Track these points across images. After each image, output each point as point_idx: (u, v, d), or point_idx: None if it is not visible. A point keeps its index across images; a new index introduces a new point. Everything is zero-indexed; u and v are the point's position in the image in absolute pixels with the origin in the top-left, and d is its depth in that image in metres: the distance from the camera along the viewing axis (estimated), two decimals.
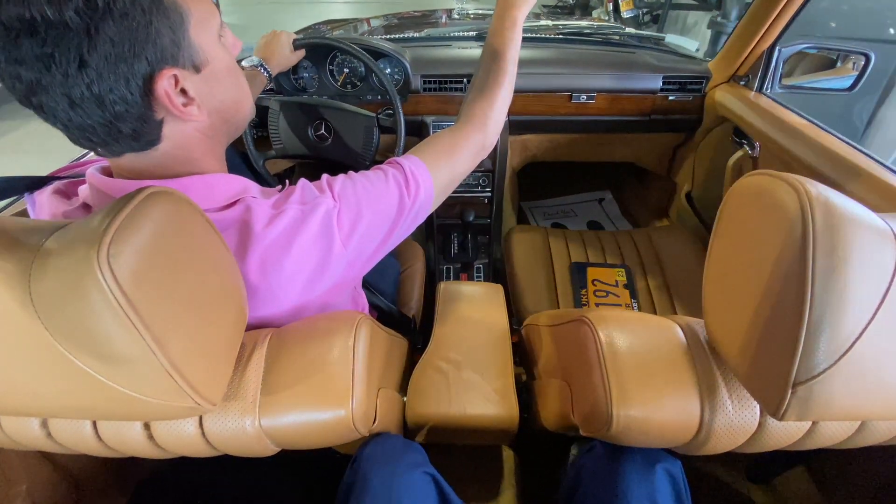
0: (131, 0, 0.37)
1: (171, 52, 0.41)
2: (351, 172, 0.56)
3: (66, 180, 0.54)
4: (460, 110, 0.69)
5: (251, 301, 0.49)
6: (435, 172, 0.60)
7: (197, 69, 0.45)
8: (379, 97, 1.20)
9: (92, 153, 0.89)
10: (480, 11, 1.83)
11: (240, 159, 1.13)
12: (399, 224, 0.57)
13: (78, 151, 0.76)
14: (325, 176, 0.55)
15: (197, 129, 0.48)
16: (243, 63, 0.94)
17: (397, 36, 1.44)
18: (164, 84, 0.41)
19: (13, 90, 0.38)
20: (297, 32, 1.28)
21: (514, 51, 0.68)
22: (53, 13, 0.34)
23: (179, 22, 0.41)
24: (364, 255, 0.56)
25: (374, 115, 1.07)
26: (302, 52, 1.05)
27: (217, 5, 0.48)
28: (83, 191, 0.49)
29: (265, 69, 0.94)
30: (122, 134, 0.42)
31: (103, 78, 0.38)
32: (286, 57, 1.01)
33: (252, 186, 0.51)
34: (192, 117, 0.45)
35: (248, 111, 0.54)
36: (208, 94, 0.46)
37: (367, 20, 1.79)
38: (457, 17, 1.78)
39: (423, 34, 1.47)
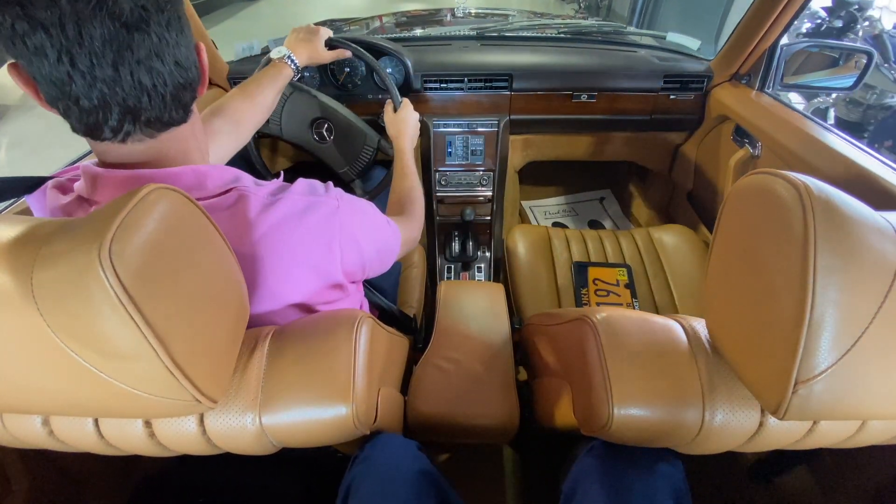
0: None
1: None
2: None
3: (64, 178, 0.54)
4: (393, 203, 0.87)
5: (248, 294, 0.49)
6: (401, 228, 0.70)
7: None
8: (380, 96, 1.20)
9: (91, 154, 0.89)
10: (483, 11, 1.84)
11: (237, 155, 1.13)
12: (385, 248, 0.64)
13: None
14: (329, 182, 0.57)
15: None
16: (271, 54, 0.94)
17: (398, 35, 1.44)
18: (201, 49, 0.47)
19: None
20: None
21: (414, 169, 0.94)
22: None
23: None
24: (357, 260, 0.57)
25: (378, 137, 1.06)
26: (336, 53, 1.02)
27: None
28: (78, 185, 0.49)
29: (292, 61, 0.93)
30: (181, 101, 0.45)
31: (189, 41, 0.44)
32: (319, 53, 0.99)
33: (244, 176, 0.51)
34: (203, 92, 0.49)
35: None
36: None
37: (380, 17, 1.82)
38: (460, 15, 1.80)
39: (423, 34, 1.47)
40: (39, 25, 0.35)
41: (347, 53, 1.02)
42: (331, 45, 1.00)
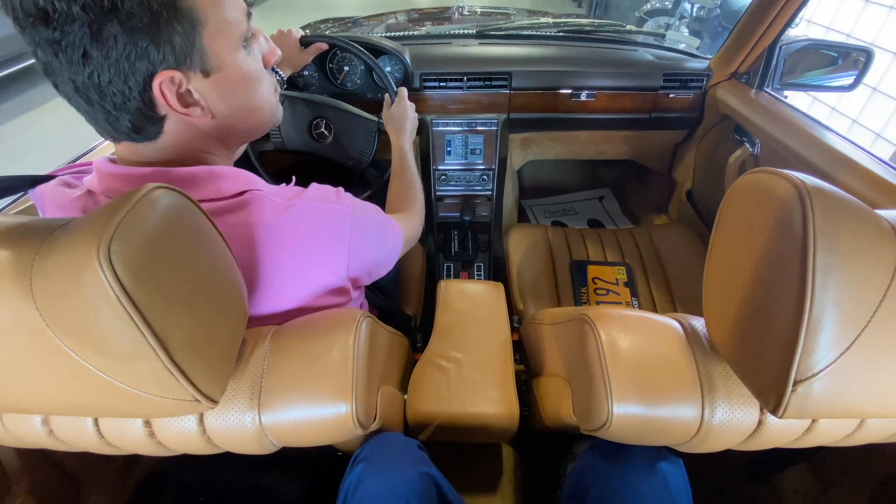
0: (140, 2, 0.38)
1: (178, 56, 0.42)
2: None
3: (71, 174, 0.54)
4: (393, 200, 0.89)
5: (253, 295, 0.50)
6: (403, 226, 0.72)
7: (206, 74, 0.45)
8: (379, 95, 1.20)
9: (89, 154, 0.89)
10: (489, 10, 1.85)
11: (242, 158, 1.13)
12: (390, 253, 0.65)
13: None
14: (340, 188, 0.57)
15: (202, 129, 0.48)
16: None
17: (397, 34, 1.44)
18: (163, 84, 0.42)
19: (38, 65, 0.41)
20: (303, 28, 1.27)
21: (413, 165, 0.95)
22: (62, 5, 0.36)
23: (191, 28, 0.42)
24: (363, 267, 0.58)
25: (376, 119, 1.06)
26: (313, 49, 1.01)
27: (248, 15, 0.49)
28: (88, 179, 0.50)
29: (277, 72, 0.93)
30: (121, 124, 0.44)
31: (104, 70, 0.40)
32: (297, 56, 0.98)
33: (258, 180, 0.52)
34: (194, 118, 0.46)
35: (265, 119, 0.55)
36: (216, 99, 0.47)
37: (395, 14, 1.85)
38: (467, 13, 1.81)
39: (422, 32, 1.47)
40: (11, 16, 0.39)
41: (324, 46, 1.02)
42: (306, 43, 1.00)
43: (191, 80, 0.44)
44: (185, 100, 0.45)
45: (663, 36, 1.52)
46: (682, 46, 1.43)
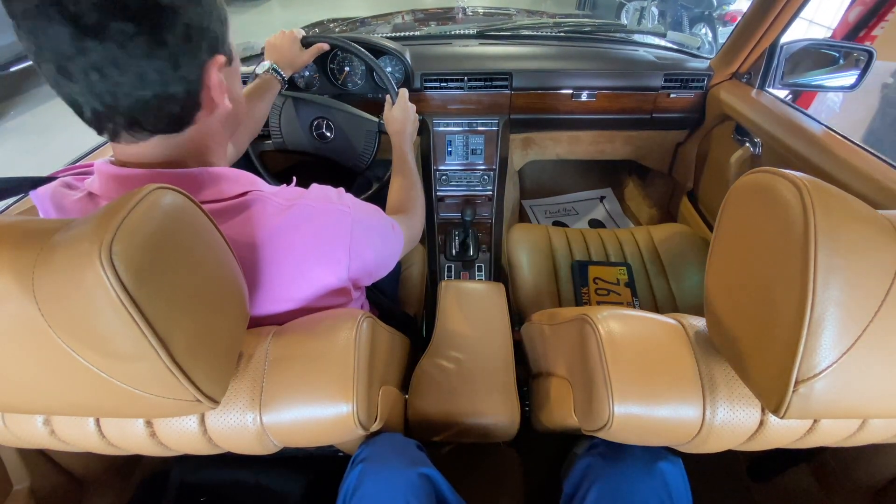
0: None
1: (221, 41, 0.46)
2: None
3: (72, 176, 0.54)
4: (393, 201, 0.88)
5: (254, 296, 0.50)
6: (404, 227, 0.72)
7: (229, 62, 0.49)
8: (380, 96, 1.20)
9: (90, 155, 0.89)
10: (491, 10, 1.86)
11: (243, 159, 1.13)
12: (391, 254, 0.65)
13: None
14: (341, 189, 0.58)
15: (218, 118, 0.50)
16: (256, 70, 0.94)
17: (398, 34, 1.44)
18: (216, 67, 0.45)
19: (45, 72, 0.40)
20: (304, 28, 1.27)
21: (413, 166, 0.95)
22: None
23: (225, 18, 0.48)
24: (363, 268, 0.58)
25: (377, 120, 1.06)
26: (314, 49, 1.01)
27: None
28: (89, 181, 0.50)
29: (278, 73, 0.93)
30: (164, 112, 0.44)
31: (172, 57, 0.41)
32: (298, 56, 0.99)
33: (259, 181, 0.52)
34: (221, 105, 0.48)
35: (241, 111, 0.58)
36: (231, 86, 0.51)
37: (402, 14, 1.87)
38: (470, 14, 1.82)
39: (423, 32, 1.48)
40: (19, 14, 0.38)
41: (326, 47, 1.02)
42: (307, 43, 1.00)
43: (222, 66, 0.47)
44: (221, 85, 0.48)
45: (664, 35, 1.52)
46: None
